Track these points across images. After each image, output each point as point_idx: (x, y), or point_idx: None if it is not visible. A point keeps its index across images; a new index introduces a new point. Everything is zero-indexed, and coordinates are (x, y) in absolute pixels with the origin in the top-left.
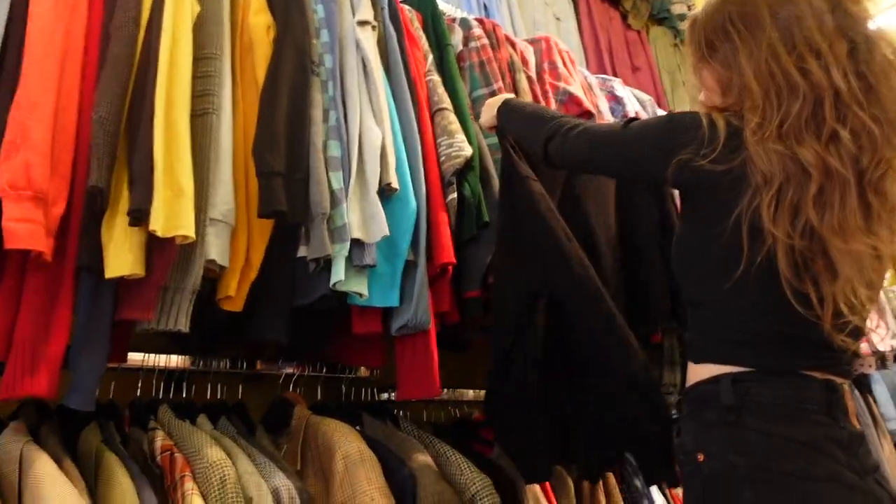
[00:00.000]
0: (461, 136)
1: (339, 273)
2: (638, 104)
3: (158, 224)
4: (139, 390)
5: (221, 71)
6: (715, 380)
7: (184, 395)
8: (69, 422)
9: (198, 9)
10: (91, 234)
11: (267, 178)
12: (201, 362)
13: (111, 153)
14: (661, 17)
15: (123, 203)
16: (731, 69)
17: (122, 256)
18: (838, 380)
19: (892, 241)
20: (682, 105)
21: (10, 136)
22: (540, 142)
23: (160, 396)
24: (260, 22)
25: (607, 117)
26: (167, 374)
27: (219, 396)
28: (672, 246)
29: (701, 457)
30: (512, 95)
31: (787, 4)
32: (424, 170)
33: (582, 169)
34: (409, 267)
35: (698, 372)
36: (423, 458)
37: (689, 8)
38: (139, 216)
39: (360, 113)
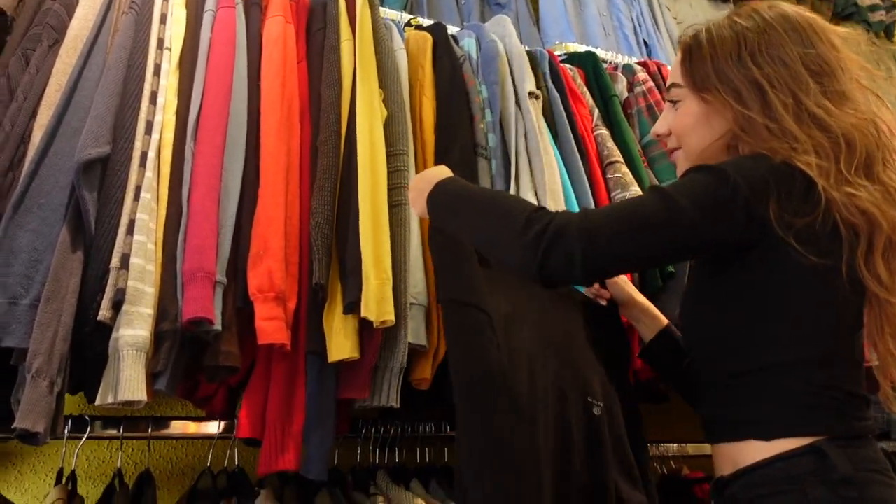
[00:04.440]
0: (635, 188)
1: None
2: None
3: (371, 312)
4: (358, 456)
5: (409, 164)
6: (805, 450)
7: (396, 460)
8: (303, 487)
9: (385, 112)
10: (316, 324)
11: None
12: (409, 428)
13: (328, 252)
14: (848, 14)
15: (338, 294)
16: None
17: (341, 342)
18: None
19: None
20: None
21: (255, 249)
22: (519, 248)
23: (376, 462)
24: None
25: None
26: (381, 439)
27: (427, 459)
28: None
29: None
30: (446, 172)
31: None
32: None
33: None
34: None
35: (767, 448)
36: None
37: None
38: (353, 307)
39: (535, 190)
